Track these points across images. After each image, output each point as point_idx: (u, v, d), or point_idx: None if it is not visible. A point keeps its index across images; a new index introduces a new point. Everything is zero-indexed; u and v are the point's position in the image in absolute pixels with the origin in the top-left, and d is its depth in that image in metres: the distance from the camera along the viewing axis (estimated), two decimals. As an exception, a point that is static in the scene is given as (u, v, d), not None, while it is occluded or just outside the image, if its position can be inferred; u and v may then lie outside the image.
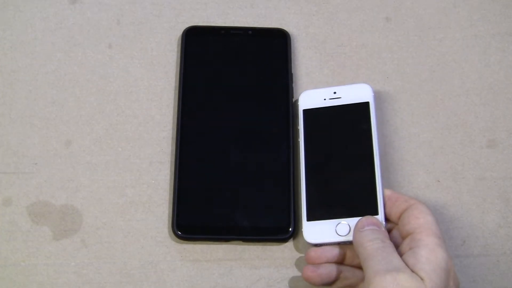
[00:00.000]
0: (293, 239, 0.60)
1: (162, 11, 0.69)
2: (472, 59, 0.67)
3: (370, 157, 0.59)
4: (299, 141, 0.61)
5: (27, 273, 0.59)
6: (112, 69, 0.66)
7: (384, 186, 0.58)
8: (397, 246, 0.54)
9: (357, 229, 0.55)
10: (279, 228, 0.60)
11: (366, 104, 0.61)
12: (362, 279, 0.56)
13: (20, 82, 0.66)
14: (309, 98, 0.63)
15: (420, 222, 0.53)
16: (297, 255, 0.60)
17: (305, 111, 0.62)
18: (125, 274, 0.59)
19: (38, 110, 0.64)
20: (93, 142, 0.64)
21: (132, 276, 0.59)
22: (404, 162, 0.63)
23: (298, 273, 0.59)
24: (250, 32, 0.67)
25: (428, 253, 0.51)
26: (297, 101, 0.63)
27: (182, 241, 0.60)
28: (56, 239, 0.60)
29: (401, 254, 0.53)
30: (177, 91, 0.65)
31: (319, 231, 0.58)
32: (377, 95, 0.65)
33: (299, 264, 0.59)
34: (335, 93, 0.62)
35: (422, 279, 0.50)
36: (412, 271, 0.50)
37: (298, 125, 0.62)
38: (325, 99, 0.62)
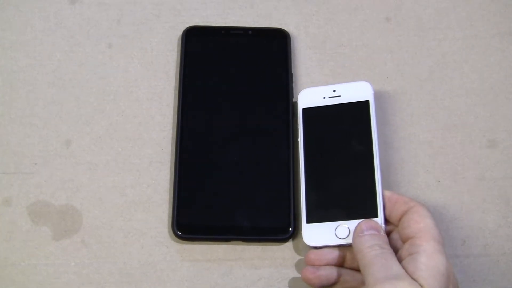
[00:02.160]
0: (293, 239, 0.60)
1: (162, 11, 0.69)
2: (472, 59, 0.67)
3: (370, 158, 0.59)
4: (298, 141, 0.61)
5: (27, 273, 0.59)
6: (112, 69, 0.66)
7: (384, 187, 0.58)
8: (396, 250, 0.54)
9: (356, 234, 0.55)
10: (279, 228, 0.60)
11: (366, 102, 0.61)
12: (362, 283, 0.56)
13: (20, 82, 0.66)
14: (309, 97, 0.62)
15: (420, 226, 0.53)
16: (297, 255, 0.60)
17: (304, 110, 0.62)
18: (125, 274, 0.59)
19: (38, 110, 0.64)
20: (93, 142, 0.64)
21: (132, 276, 0.59)
22: (404, 162, 0.63)
23: (298, 273, 0.59)
24: (250, 32, 0.67)
25: (427, 259, 0.51)
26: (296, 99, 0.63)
27: (182, 241, 0.60)
28: (56, 239, 0.60)
29: (400, 259, 0.53)
30: (177, 91, 0.65)
31: (319, 234, 0.57)
32: (377, 95, 0.65)
33: (299, 264, 0.59)
34: (334, 91, 0.62)
35: (421, 286, 0.49)
36: (412, 278, 0.50)
37: (298, 124, 0.62)
38: (324, 98, 0.62)
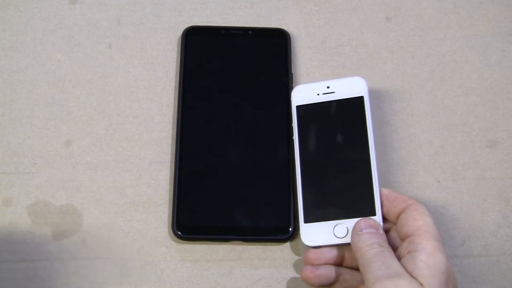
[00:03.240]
0: (293, 239, 0.60)
1: (162, 11, 0.69)
2: (472, 59, 0.67)
3: (366, 155, 0.58)
4: (293, 139, 0.61)
5: (27, 273, 0.59)
6: (112, 69, 0.66)
7: (383, 186, 0.58)
8: (395, 248, 0.54)
9: (354, 232, 0.55)
10: (279, 228, 0.60)
11: (361, 98, 0.60)
12: (361, 282, 0.56)
13: (20, 82, 0.66)
14: (302, 94, 0.62)
15: (419, 224, 0.53)
16: (297, 255, 0.60)
17: (298, 107, 0.61)
18: (125, 274, 0.59)
19: (38, 110, 0.65)
20: (93, 142, 0.64)
21: (132, 276, 0.59)
22: (404, 162, 0.63)
23: (298, 274, 0.59)
24: (250, 32, 0.67)
25: (427, 258, 0.51)
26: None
27: (182, 241, 0.60)
28: (56, 239, 0.60)
29: (399, 257, 0.52)
30: (177, 91, 0.65)
31: (317, 233, 0.57)
32: (377, 95, 0.65)
33: (299, 264, 0.59)
34: (328, 87, 0.61)
35: (421, 284, 0.49)
36: (412, 276, 0.50)
37: (292, 122, 0.62)
38: (318, 94, 0.61)
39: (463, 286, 0.59)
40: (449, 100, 0.66)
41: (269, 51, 0.66)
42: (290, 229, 0.60)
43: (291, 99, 0.62)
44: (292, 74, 0.66)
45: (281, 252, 0.60)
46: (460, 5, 0.70)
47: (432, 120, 0.65)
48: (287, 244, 0.60)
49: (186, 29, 0.67)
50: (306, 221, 0.58)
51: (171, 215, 0.60)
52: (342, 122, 0.60)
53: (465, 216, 0.61)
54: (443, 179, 0.63)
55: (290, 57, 0.66)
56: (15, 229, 0.60)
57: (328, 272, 0.56)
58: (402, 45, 0.68)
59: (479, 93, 0.66)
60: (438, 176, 0.63)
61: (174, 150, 0.63)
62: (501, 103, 0.66)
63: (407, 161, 0.63)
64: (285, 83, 0.65)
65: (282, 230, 0.60)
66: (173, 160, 0.63)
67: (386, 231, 0.56)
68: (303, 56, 0.67)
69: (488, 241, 0.61)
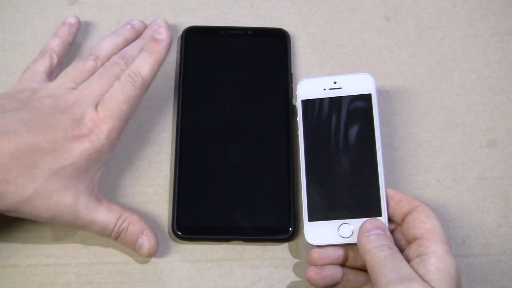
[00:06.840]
0: (294, 239, 0.60)
1: (162, 11, 0.69)
2: (472, 59, 0.67)
3: (372, 155, 0.58)
4: (298, 134, 0.60)
5: (28, 274, 0.59)
6: (112, 70, 0.66)
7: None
8: (401, 249, 0.54)
9: (361, 233, 0.54)
10: (279, 228, 0.60)
11: (368, 96, 0.60)
12: (365, 283, 0.56)
13: (20, 83, 0.66)
14: (308, 88, 0.61)
15: (427, 227, 0.53)
16: (297, 255, 0.60)
17: (304, 101, 0.61)
18: (125, 274, 0.59)
19: (38, 111, 0.64)
20: (93, 143, 0.64)
21: (132, 276, 0.59)
22: (404, 161, 0.63)
23: (298, 274, 0.59)
24: (249, 32, 0.67)
25: (438, 262, 0.51)
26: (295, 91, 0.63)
27: (182, 241, 0.60)
28: (57, 240, 0.60)
29: (408, 259, 0.52)
30: (177, 91, 0.65)
31: (321, 232, 0.57)
32: (377, 94, 0.65)
33: (299, 264, 0.59)
34: (335, 83, 0.61)
35: None
36: (423, 280, 0.50)
37: (297, 116, 0.61)
38: (324, 89, 0.61)
39: (464, 286, 0.58)
40: (448, 99, 0.66)
41: (268, 51, 0.67)
42: (290, 229, 0.60)
43: (296, 92, 0.61)
44: (292, 74, 0.66)
45: (281, 252, 0.60)
46: (460, 5, 0.70)
47: (432, 120, 0.65)
48: (288, 244, 0.60)
49: (186, 29, 0.67)
50: (310, 219, 0.57)
51: (171, 215, 0.60)
52: (349, 119, 0.60)
53: (465, 216, 0.61)
54: (443, 179, 0.63)
55: (290, 57, 0.66)
56: (15, 230, 0.60)
57: (333, 273, 0.56)
58: (401, 45, 0.68)
59: (479, 93, 0.66)
60: (438, 175, 0.63)
61: (174, 150, 0.63)
62: (501, 103, 0.66)
63: (407, 160, 0.63)
64: (285, 83, 0.65)
65: (282, 230, 0.60)
66: (173, 160, 0.62)
67: (391, 232, 0.56)
68: (302, 56, 0.67)
69: (489, 240, 0.61)
